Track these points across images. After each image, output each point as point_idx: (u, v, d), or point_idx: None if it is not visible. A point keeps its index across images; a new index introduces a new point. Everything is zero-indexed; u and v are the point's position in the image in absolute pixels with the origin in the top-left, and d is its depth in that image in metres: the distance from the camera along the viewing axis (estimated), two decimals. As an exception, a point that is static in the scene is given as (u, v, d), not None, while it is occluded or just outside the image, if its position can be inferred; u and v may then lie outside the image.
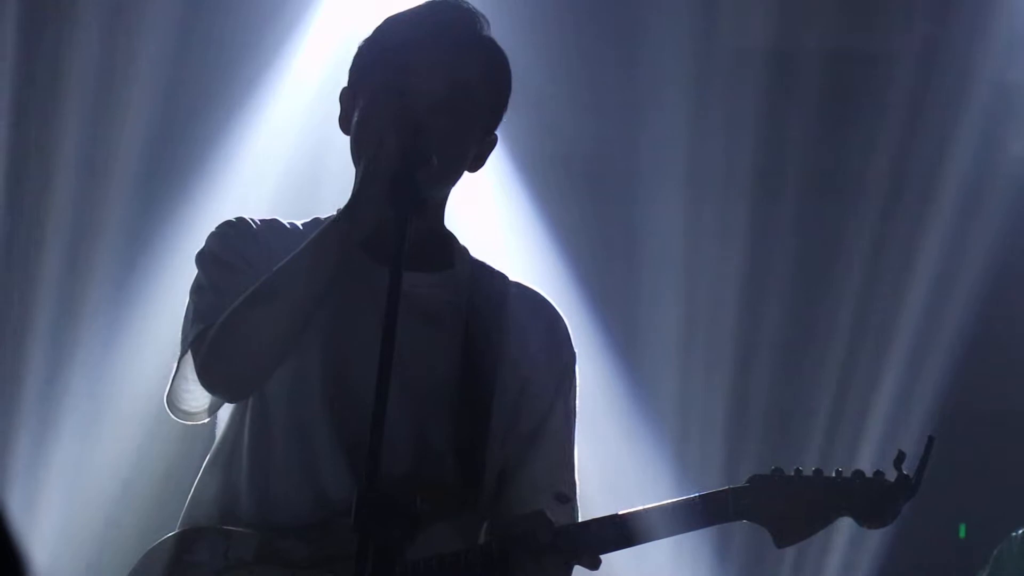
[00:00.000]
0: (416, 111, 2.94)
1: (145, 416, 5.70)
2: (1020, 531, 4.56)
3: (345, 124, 3.07)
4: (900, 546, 5.58)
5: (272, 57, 5.97)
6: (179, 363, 3.05)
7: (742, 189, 6.19)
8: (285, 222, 3.16)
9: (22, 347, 5.76)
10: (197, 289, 3.09)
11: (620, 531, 3.00)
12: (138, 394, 5.75)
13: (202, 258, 3.12)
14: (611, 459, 5.55)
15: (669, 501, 3.05)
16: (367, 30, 5.59)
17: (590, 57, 6.11)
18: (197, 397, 3.07)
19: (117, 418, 5.81)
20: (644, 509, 3.02)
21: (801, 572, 5.77)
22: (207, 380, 3.00)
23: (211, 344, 2.96)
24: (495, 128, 3.13)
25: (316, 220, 3.14)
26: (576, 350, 3.23)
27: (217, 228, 3.13)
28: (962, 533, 5.98)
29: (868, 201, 6.21)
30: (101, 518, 5.73)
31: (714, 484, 5.87)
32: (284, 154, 5.94)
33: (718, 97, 6.17)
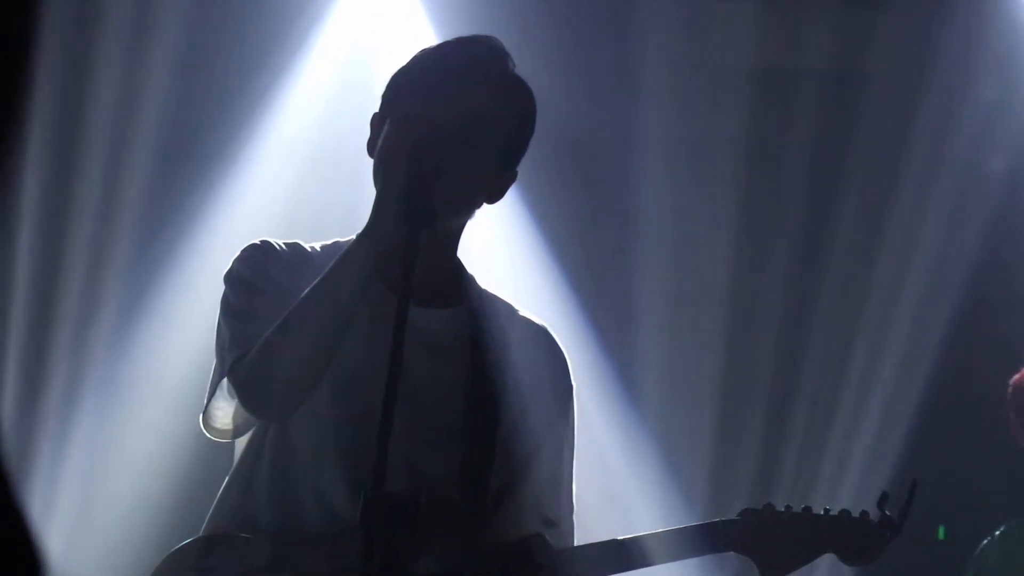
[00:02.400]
0: (433, 137, 3.05)
1: (160, 419, 5.76)
2: (999, 531, 4.64)
3: (372, 148, 3.19)
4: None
5: (284, 69, 5.96)
6: (214, 382, 3.17)
7: (733, 199, 6.25)
8: (306, 246, 3.27)
9: (42, 350, 5.80)
10: (230, 312, 3.19)
11: (615, 556, 3.15)
12: (155, 397, 5.80)
13: (231, 280, 3.22)
14: (602, 475, 5.65)
15: (663, 529, 3.20)
16: (378, 43, 5.66)
17: (581, 50, 6.16)
18: (228, 414, 3.19)
19: (133, 420, 5.85)
20: (639, 536, 3.17)
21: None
22: (248, 405, 3.14)
23: (249, 374, 3.09)
24: (515, 163, 3.24)
25: (336, 243, 3.25)
26: (575, 381, 3.36)
27: (243, 251, 3.24)
28: (941, 535, 6.03)
29: (856, 214, 6.26)
30: (116, 519, 5.77)
31: (702, 498, 5.98)
32: (296, 165, 5.97)
33: (709, 104, 6.22)
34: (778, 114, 6.23)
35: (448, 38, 3.31)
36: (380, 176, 3.09)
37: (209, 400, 3.18)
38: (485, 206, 3.25)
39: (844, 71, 6.30)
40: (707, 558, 3.26)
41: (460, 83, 3.15)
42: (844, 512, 3.18)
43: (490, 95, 3.16)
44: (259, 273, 3.19)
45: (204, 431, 3.25)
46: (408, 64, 3.23)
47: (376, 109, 3.23)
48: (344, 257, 3.09)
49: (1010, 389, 4.66)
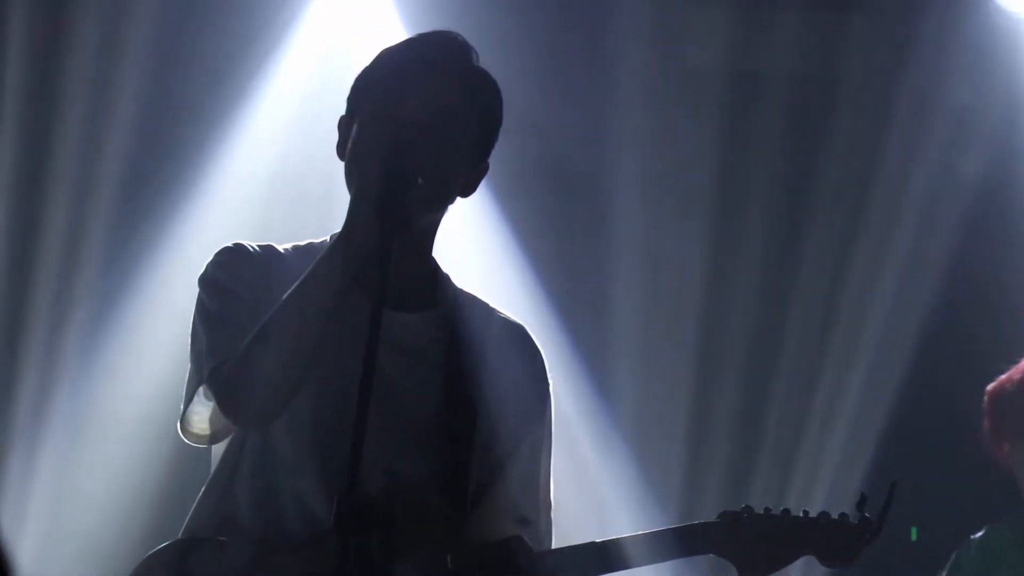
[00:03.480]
0: (404, 136, 3.04)
1: (132, 429, 5.73)
2: (979, 535, 4.63)
3: (341, 151, 3.17)
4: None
5: (258, 69, 5.95)
6: (192, 388, 3.16)
7: (706, 204, 6.26)
8: (280, 248, 3.26)
9: (15, 353, 5.77)
10: (206, 318, 3.18)
11: (594, 558, 3.16)
12: (127, 406, 5.78)
13: (206, 285, 3.21)
14: (577, 474, 5.65)
15: (642, 532, 3.21)
16: (351, 45, 5.66)
17: (556, 63, 6.17)
18: (205, 419, 3.18)
19: (104, 431, 5.82)
20: (619, 538, 3.18)
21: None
22: (229, 414, 3.12)
23: (228, 382, 3.08)
24: (486, 156, 3.24)
25: (310, 244, 3.25)
26: (551, 380, 3.36)
27: (218, 255, 3.23)
28: (914, 536, 6.05)
29: (828, 218, 6.27)
30: (91, 524, 5.75)
31: (676, 498, 5.97)
32: (269, 166, 5.95)
33: (683, 108, 6.23)
34: (750, 118, 6.25)
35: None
36: (354, 179, 3.08)
37: (186, 406, 3.17)
38: (459, 201, 3.24)
39: (816, 75, 6.31)
40: (683, 560, 3.27)
41: (428, 80, 3.15)
42: (823, 514, 3.19)
43: (458, 90, 3.16)
44: (234, 277, 3.18)
45: (182, 436, 3.24)
46: (372, 64, 3.22)
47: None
48: (320, 262, 3.08)
49: (986, 399, 4.65)
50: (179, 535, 3.18)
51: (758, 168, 6.25)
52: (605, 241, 6.23)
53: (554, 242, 6.18)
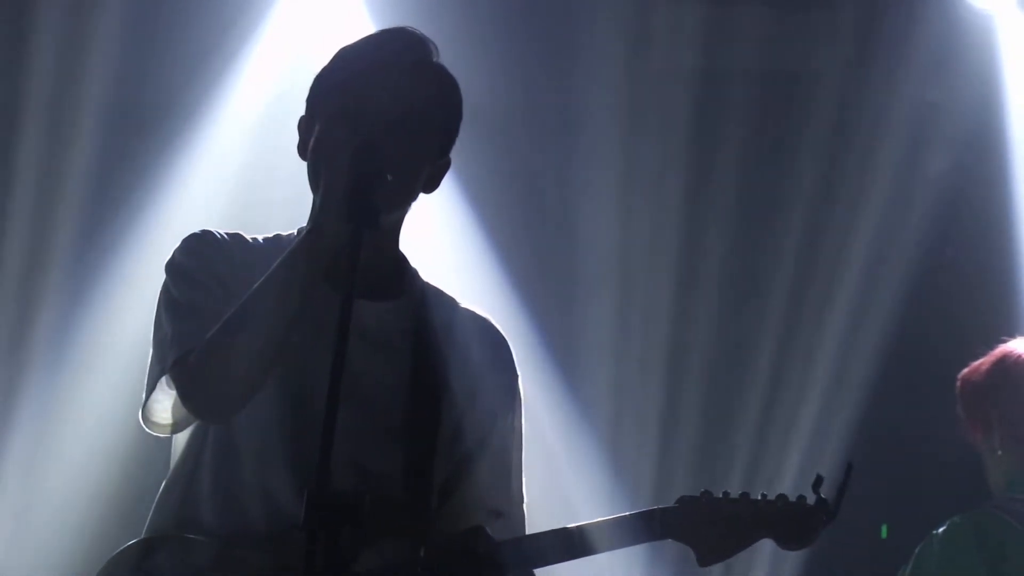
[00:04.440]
0: (369, 132, 3.05)
1: (96, 426, 5.73)
2: (941, 530, 4.64)
3: (303, 151, 3.18)
4: (823, 547, 5.68)
5: (228, 63, 5.97)
6: (153, 377, 3.14)
7: (674, 200, 6.28)
8: (248, 237, 3.26)
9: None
10: (171, 306, 3.16)
11: (556, 545, 3.17)
12: (91, 404, 5.78)
13: (173, 272, 3.19)
14: (546, 467, 5.66)
15: (602, 518, 3.21)
16: (321, 41, 5.66)
17: (525, 60, 6.19)
18: (167, 408, 3.16)
19: (72, 420, 5.83)
20: (578, 525, 3.18)
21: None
22: (191, 406, 3.10)
23: (193, 374, 3.06)
24: (448, 151, 3.25)
25: (277, 236, 3.25)
26: (519, 371, 3.37)
27: (185, 242, 3.22)
28: (884, 534, 6.06)
29: (795, 215, 6.30)
30: (55, 523, 5.75)
31: (646, 487, 5.98)
32: (237, 161, 5.97)
33: (650, 105, 6.25)
34: (716, 115, 6.27)
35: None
36: (322, 176, 3.07)
37: (148, 395, 3.15)
38: (424, 197, 3.25)
39: (782, 72, 6.34)
40: (651, 546, 3.28)
41: (391, 77, 3.16)
42: (781, 496, 3.19)
43: (421, 86, 3.18)
44: (201, 266, 3.17)
45: (143, 426, 3.22)
46: (331, 63, 3.23)
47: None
48: (288, 256, 3.07)
49: (959, 383, 4.67)
50: (142, 534, 3.17)
51: (725, 165, 6.28)
52: (573, 236, 6.26)
53: (522, 237, 6.20)
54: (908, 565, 4.61)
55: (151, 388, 3.14)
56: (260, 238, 3.26)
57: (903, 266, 6.22)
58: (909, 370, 6.24)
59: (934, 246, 6.29)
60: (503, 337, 3.36)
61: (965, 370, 4.65)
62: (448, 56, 3.27)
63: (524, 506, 3.33)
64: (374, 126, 3.07)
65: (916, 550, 4.62)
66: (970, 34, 6.25)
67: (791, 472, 6.09)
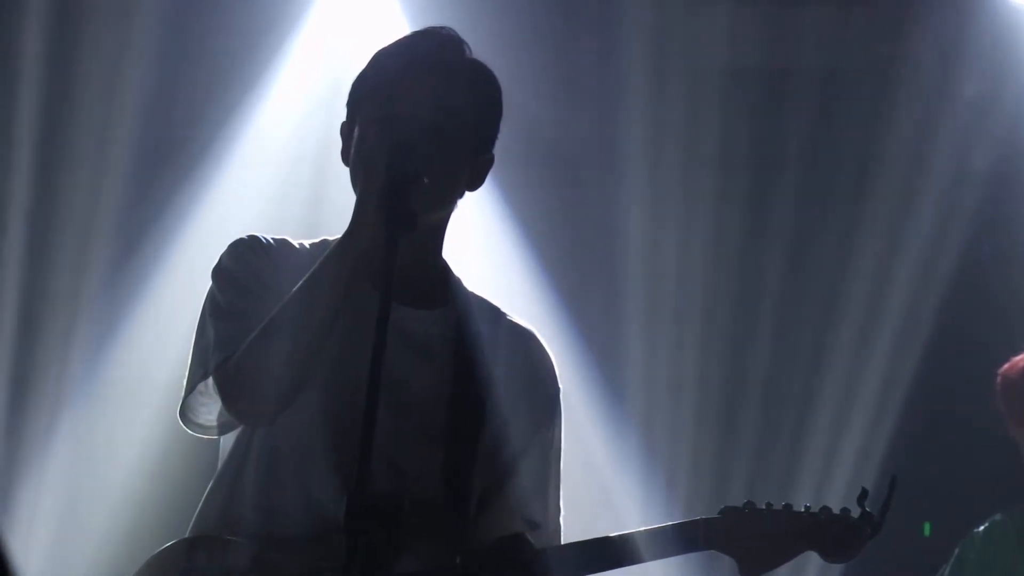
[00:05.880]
0: (405, 135, 3.05)
1: (146, 421, 5.75)
2: (982, 528, 4.64)
3: (345, 156, 3.19)
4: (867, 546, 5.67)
5: (265, 69, 5.99)
6: (194, 379, 3.16)
7: (715, 198, 6.26)
8: (295, 242, 3.26)
9: (28, 351, 5.81)
10: (216, 311, 3.18)
11: (595, 555, 3.16)
12: (140, 399, 5.80)
13: (219, 277, 3.21)
14: (590, 475, 5.66)
15: (645, 528, 3.20)
16: (357, 43, 5.66)
17: (563, 58, 6.17)
18: (212, 411, 3.19)
19: (118, 423, 5.86)
20: (621, 534, 3.18)
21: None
22: (233, 409, 3.13)
23: (233, 378, 3.09)
24: (490, 148, 3.24)
25: (324, 241, 3.25)
26: (561, 384, 3.35)
27: (232, 247, 3.23)
28: (927, 532, 6.04)
29: (838, 212, 6.28)
30: (101, 523, 5.77)
31: (686, 498, 5.97)
32: (281, 162, 5.98)
33: (690, 103, 6.23)
34: (758, 113, 6.24)
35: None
36: (359, 181, 3.09)
37: (187, 396, 3.17)
38: (469, 197, 3.25)
39: (825, 69, 6.31)
40: (699, 557, 3.26)
41: (425, 78, 3.16)
42: (824, 509, 3.18)
43: (456, 85, 3.18)
44: (247, 271, 3.18)
45: (183, 427, 3.24)
46: (367, 67, 3.23)
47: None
48: (325, 261, 3.08)
49: (999, 379, 4.68)
50: (186, 533, 3.19)
51: (766, 163, 6.25)
52: (613, 237, 6.24)
53: (563, 239, 6.19)
54: (949, 563, 4.62)
55: (190, 389, 3.16)
56: (307, 243, 3.27)
57: (948, 262, 6.19)
58: (952, 367, 6.21)
59: (976, 243, 6.25)
60: (546, 350, 3.35)
61: (1005, 366, 4.66)
62: (485, 56, 3.26)
63: (561, 519, 3.33)
64: (410, 128, 3.07)
65: (957, 548, 4.63)
66: (1015, 31, 6.21)
67: (836, 478, 6.07)
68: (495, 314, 3.33)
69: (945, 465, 6.18)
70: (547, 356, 3.35)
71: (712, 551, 3.17)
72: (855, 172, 6.27)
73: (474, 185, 3.24)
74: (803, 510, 3.17)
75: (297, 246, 3.25)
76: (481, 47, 3.26)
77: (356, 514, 2.70)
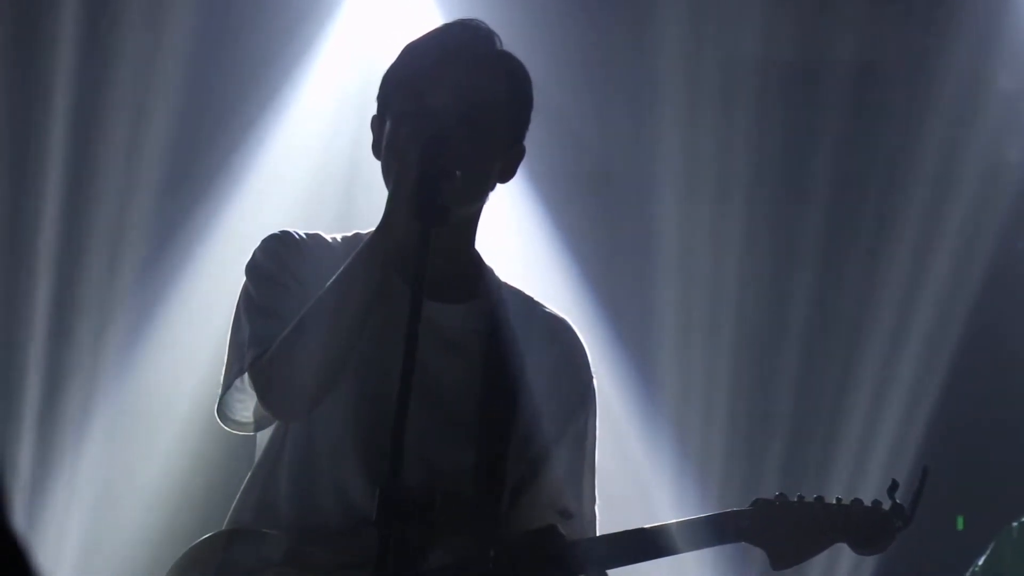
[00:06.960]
0: (437, 128, 3.05)
1: (178, 420, 5.79)
2: (1018, 522, 4.65)
3: (377, 150, 3.19)
4: (899, 538, 5.66)
5: (295, 66, 6.00)
6: (230, 376, 3.17)
7: (749, 196, 6.26)
8: (327, 237, 3.27)
9: (61, 346, 5.82)
10: (251, 307, 3.19)
11: (627, 547, 3.16)
12: (172, 399, 5.82)
13: (253, 274, 3.22)
14: (623, 466, 5.66)
15: (677, 520, 3.21)
16: (390, 38, 5.68)
17: (597, 57, 6.17)
18: (249, 408, 3.20)
19: (150, 422, 5.87)
20: (653, 526, 3.18)
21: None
22: (267, 404, 3.14)
23: (268, 373, 3.09)
24: (521, 139, 3.24)
25: (357, 235, 3.25)
26: (594, 373, 3.36)
27: (265, 242, 3.24)
28: (960, 525, 6.03)
29: (873, 207, 6.27)
30: (138, 515, 5.80)
31: (719, 490, 5.97)
32: (311, 159, 5.99)
33: (724, 100, 6.22)
34: (792, 108, 6.24)
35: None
36: (391, 175, 3.09)
37: (224, 392, 3.18)
38: (503, 194, 3.25)
39: (859, 63, 6.29)
40: (730, 549, 3.26)
41: (456, 71, 3.16)
42: (856, 501, 3.17)
43: (487, 77, 3.17)
44: (281, 266, 3.19)
45: (221, 424, 3.26)
46: (398, 60, 3.23)
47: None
48: (358, 255, 3.09)
49: None
50: (223, 526, 3.21)
51: (800, 158, 6.25)
52: (646, 231, 6.24)
53: (597, 235, 6.19)
54: (983, 556, 4.61)
55: (227, 386, 3.17)
56: (339, 237, 3.28)
57: (982, 258, 6.17)
58: (987, 363, 6.19)
59: (1010, 237, 6.23)
60: (579, 339, 3.35)
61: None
62: (516, 49, 3.26)
63: (596, 507, 3.33)
64: (442, 122, 3.07)
65: (993, 541, 4.62)
66: (1050, 24, 6.20)
67: (870, 471, 6.06)
68: (529, 304, 3.33)
69: (979, 458, 6.17)
70: (580, 345, 3.35)
71: (743, 543, 3.17)
72: (889, 166, 6.26)
73: (506, 177, 3.24)
74: (835, 502, 3.17)
75: (330, 240, 3.26)
76: (513, 40, 3.26)
77: (388, 509, 2.71)
